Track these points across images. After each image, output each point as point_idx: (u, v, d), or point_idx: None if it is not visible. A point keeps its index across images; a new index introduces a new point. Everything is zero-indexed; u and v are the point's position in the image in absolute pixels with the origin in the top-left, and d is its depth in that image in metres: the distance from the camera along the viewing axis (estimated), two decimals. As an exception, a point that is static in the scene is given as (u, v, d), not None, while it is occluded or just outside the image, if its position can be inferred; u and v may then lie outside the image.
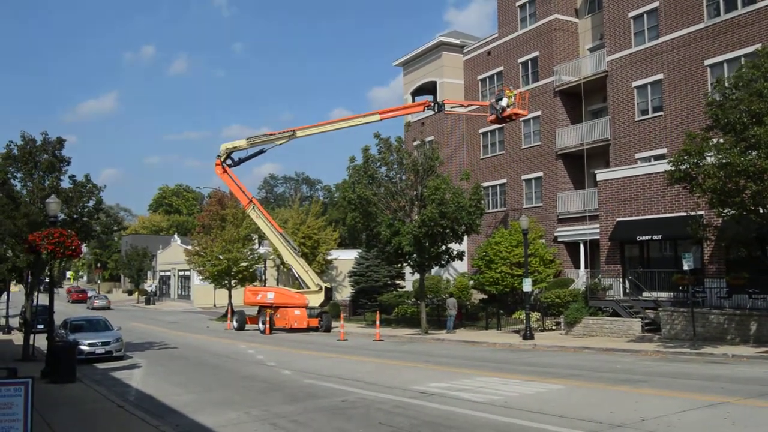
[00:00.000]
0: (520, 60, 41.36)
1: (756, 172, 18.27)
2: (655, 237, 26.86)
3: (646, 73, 33.05)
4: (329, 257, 56.66)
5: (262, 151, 39.46)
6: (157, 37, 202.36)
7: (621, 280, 28.61)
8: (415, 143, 35.63)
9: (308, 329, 35.83)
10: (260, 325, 36.69)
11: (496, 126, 39.55)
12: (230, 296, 49.02)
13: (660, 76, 32.33)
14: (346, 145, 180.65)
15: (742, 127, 19.01)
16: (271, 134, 38.89)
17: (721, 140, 19.95)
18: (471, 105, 39.61)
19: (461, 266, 40.85)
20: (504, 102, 31.66)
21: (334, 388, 15.35)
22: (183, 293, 80.00)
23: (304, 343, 29.57)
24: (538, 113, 39.59)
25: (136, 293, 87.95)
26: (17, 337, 32.29)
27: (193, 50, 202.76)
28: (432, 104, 35.15)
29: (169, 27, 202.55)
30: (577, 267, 36.22)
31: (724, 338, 22.46)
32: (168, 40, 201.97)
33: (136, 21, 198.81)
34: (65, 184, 24.28)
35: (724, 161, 18.92)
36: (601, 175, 30.43)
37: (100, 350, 23.05)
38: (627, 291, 28.34)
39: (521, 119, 37.48)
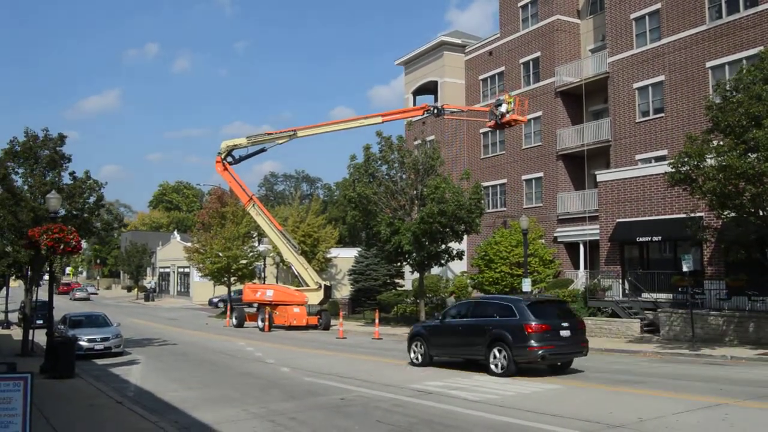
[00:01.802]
0: (522, 60, 41.37)
1: (755, 174, 18.29)
2: (655, 238, 26.89)
3: (647, 74, 33.06)
4: (329, 255, 56.67)
5: (263, 150, 39.46)
6: (160, 35, 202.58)
7: (620, 280, 28.63)
8: (416, 142, 35.68)
9: (307, 327, 35.84)
10: (259, 323, 36.70)
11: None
12: (230, 293, 49.05)
13: (661, 78, 32.34)
14: (346, 144, 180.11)
15: (742, 130, 19.02)
16: (271, 133, 38.87)
17: (721, 143, 19.96)
18: (470, 110, 39.57)
19: (461, 266, 40.86)
20: (503, 108, 31.62)
21: (333, 386, 15.37)
22: (182, 290, 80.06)
23: (303, 340, 29.60)
24: (539, 114, 39.61)
25: (136, 289, 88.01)
26: (16, 332, 32.34)
27: (196, 48, 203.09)
28: (431, 108, 35.20)
29: (172, 25, 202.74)
30: (577, 267, 36.24)
31: (722, 340, 22.47)
32: (171, 38, 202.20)
33: (139, 18, 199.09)
34: (66, 180, 24.29)
35: (723, 164, 18.94)
36: (602, 176, 30.44)
37: (99, 346, 23.06)
38: (626, 292, 28.36)
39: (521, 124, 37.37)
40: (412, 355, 19.28)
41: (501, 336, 16.31)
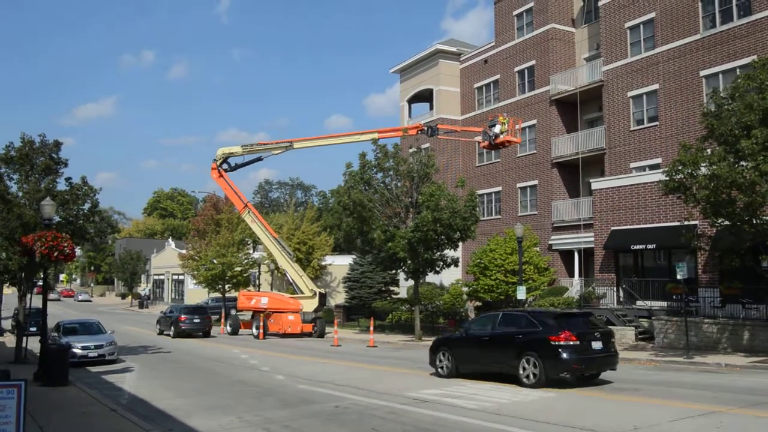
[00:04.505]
0: (517, 69, 41.53)
1: (745, 183, 18.36)
2: (650, 246, 26.97)
3: (641, 83, 33.23)
4: (324, 263, 56.62)
5: (259, 159, 39.52)
6: (156, 42, 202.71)
7: (615, 288, 28.69)
8: (410, 150, 35.68)
9: (302, 335, 35.76)
10: (254, 330, 36.60)
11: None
12: (224, 300, 48.93)
13: (655, 87, 32.51)
14: (341, 152, 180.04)
15: (734, 139, 19.13)
16: (267, 143, 38.98)
17: (714, 151, 20.07)
18: (464, 130, 39.62)
19: (456, 273, 40.85)
20: (497, 129, 31.59)
21: (328, 394, 15.33)
22: (177, 297, 79.84)
23: (298, 348, 29.52)
24: (534, 122, 39.74)
25: (130, 297, 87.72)
26: (9, 340, 32.16)
27: (192, 55, 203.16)
28: (425, 128, 35.25)
29: (168, 32, 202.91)
30: (572, 275, 36.29)
31: (717, 347, 22.52)
32: (167, 44, 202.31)
33: (136, 25, 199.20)
34: (61, 186, 24.21)
35: (714, 173, 19.03)
36: (596, 184, 30.54)
37: (93, 353, 22.95)
38: (621, 300, 28.41)
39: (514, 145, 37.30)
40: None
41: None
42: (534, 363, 15.45)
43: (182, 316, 36.13)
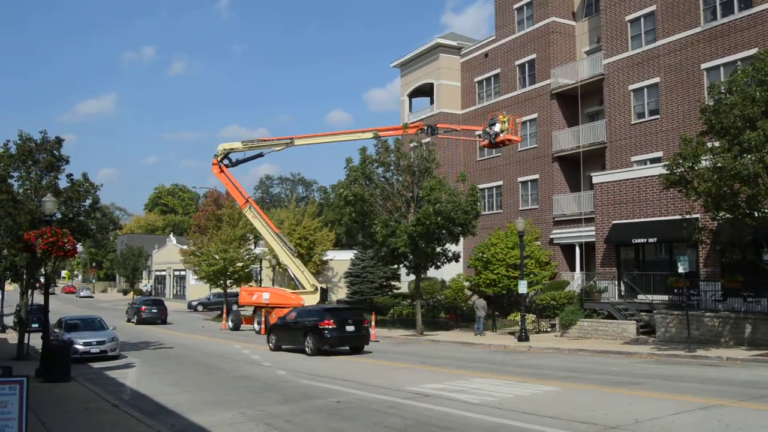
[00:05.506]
0: (518, 62, 41.44)
1: (749, 175, 18.33)
2: (651, 240, 26.92)
3: (642, 76, 33.15)
4: (325, 258, 56.64)
5: (260, 155, 39.51)
6: (156, 39, 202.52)
7: (616, 282, 28.65)
8: (411, 144, 35.64)
9: (304, 330, 35.76)
10: (255, 326, 36.65)
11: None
12: (226, 296, 48.99)
13: (656, 80, 32.43)
14: (342, 148, 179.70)
15: (737, 132, 19.08)
16: (268, 140, 38.95)
17: (716, 144, 20.02)
18: (464, 129, 39.52)
19: (456, 268, 40.86)
20: (497, 127, 31.46)
21: (329, 389, 15.36)
22: (178, 293, 79.91)
23: (300, 343, 29.52)
24: (535, 116, 39.67)
25: (132, 293, 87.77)
26: (12, 336, 32.22)
27: (193, 52, 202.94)
28: (425, 128, 35.18)
29: (168, 29, 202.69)
30: (573, 269, 36.28)
31: (718, 341, 22.52)
32: (167, 41, 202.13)
33: (136, 22, 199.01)
34: (63, 183, 24.18)
35: (718, 165, 19.00)
36: (597, 177, 30.47)
37: (94, 349, 23.02)
38: (622, 293, 28.38)
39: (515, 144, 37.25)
40: None
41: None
42: (310, 340, 23.40)
43: (143, 307, 44.92)
